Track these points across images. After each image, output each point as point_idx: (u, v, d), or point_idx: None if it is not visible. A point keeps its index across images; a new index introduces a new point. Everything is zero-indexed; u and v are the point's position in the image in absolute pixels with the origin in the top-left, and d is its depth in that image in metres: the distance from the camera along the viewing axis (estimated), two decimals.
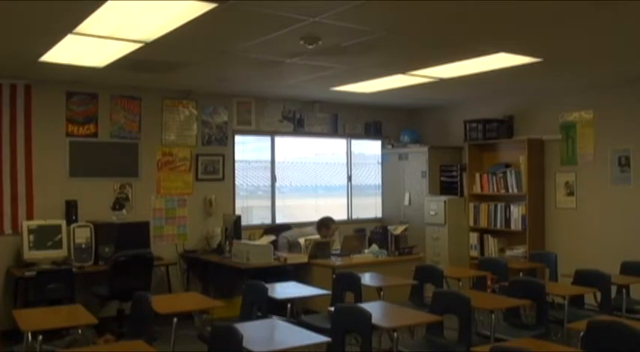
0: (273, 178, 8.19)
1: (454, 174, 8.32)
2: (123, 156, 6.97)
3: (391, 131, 9.07)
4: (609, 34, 4.57)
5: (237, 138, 7.85)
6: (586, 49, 5.06)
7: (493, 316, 4.46)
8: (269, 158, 8.18)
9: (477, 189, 7.95)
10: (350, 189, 8.97)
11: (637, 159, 6.63)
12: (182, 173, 7.36)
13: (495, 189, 7.73)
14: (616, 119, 6.82)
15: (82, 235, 6.22)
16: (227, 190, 7.69)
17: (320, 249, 6.70)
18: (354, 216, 8.93)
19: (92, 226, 6.31)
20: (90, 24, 4.17)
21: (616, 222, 6.79)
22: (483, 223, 7.85)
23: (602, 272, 5.37)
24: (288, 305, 4.84)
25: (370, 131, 8.95)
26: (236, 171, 7.82)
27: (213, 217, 7.43)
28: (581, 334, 3.70)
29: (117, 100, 6.93)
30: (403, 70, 5.91)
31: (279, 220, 8.17)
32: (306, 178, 8.67)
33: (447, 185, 8.37)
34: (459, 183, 8.23)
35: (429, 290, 5.31)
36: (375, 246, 7.10)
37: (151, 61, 5.47)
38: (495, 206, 7.73)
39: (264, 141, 8.14)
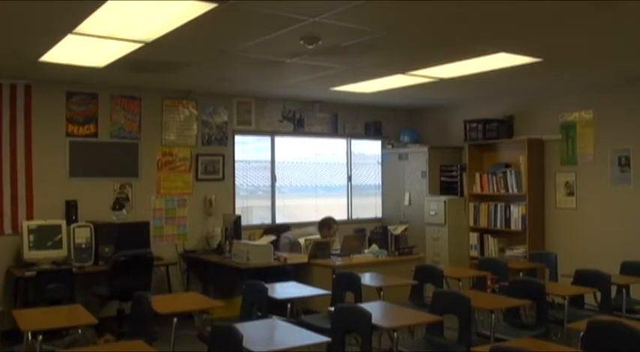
0: (273, 178, 8.19)
1: (454, 174, 8.32)
2: (123, 156, 6.97)
3: (391, 131, 9.07)
4: (609, 34, 4.57)
5: (237, 138, 7.85)
6: (586, 49, 5.06)
7: (493, 316, 4.46)
8: (269, 158, 8.18)
9: (477, 189, 7.95)
10: (350, 189, 8.97)
11: (637, 159, 6.63)
12: (182, 173, 7.36)
13: (495, 189, 7.73)
14: (616, 119, 6.82)
15: (82, 235, 6.22)
16: (227, 190, 7.69)
17: (320, 249, 6.70)
18: (354, 216, 8.93)
19: (92, 226, 6.31)
20: (90, 24, 4.17)
21: (616, 222, 6.79)
22: (483, 223, 7.85)
23: (602, 272, 5.37)
24: (288, 305, 4.84)
25: (370, 131, 8.95)
26: (236, 171, 7.82)
27: (213, 217, 7.43)
28: (581, 334, 3.70)
29: (117, 100, 6.93)
30: (403, 70, 5.91)
31: (279, 220, 8.17)
32: (306, 178, 8.67)
33: (447, 185, 8.37)
34: (459, 183, 8.23)
35: (429, 290, 5.31)
36: (375, 246, 7.10)
37: (151, 61, 5.47)
38: (495, 206, 7.73)
39: (264, 141, 8.14)
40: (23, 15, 4.01)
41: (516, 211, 7.47)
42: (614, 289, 5.49)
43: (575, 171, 7.23)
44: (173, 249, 7.18)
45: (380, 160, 9.15)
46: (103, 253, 6.31)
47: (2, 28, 4.37)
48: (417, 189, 8.50)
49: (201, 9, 3.79)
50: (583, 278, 5.43)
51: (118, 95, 6.93)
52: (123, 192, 6.94)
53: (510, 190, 7.55)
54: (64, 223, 6.28)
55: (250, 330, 3.71)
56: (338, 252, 6.93)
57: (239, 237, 6.79)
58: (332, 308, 4.44)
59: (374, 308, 4.19)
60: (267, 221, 8.12)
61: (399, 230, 7.20)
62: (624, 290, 5.56)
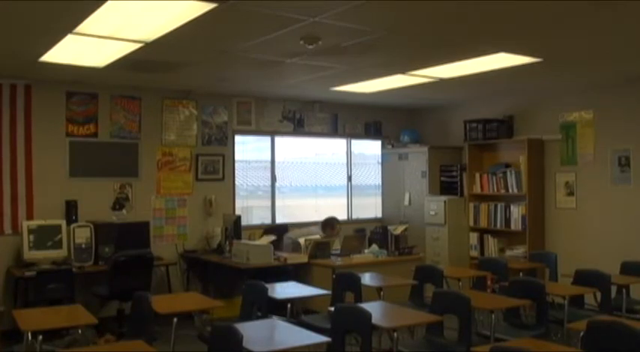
0: (273, 178, 8.19)
1: (454, 174, 8.32)
2: (123, 156, 6.97)
3: (391, 131, 9.07)
4: (609, 34, 4.57)
5: (237, 138, 7.85)
6: (586, 49, 5.06)
7: (493, 316, 4.46)
8: (269, 158, 8.18)
9: (477, 189, 7.95)
10: (350, 189, 8.97)
11: (637, 159, 6.63)
12: (182, 173, 7.36)
13: (495, 189, 7.73)
14: (616, 119, 6.82)
15: (82, 235, 6.22)
16: (227, 190, 7.69)
17: (320, 249, 6.70)
18: (354, 216, 8.93)
19: (92, 226, 6.31)
20: (90, 24, 4.17)
21: (616, 222, 6.79)
22: (483, 223, 7.85)
23: (602, 272, 5.37)
24: (288, 305, 4.84)
25: (370, 131, 8.95)
26: (236, 171, 7.82)
27: (213, 217, 7.43)
28: (581, 334, 3.70)
29: (117, 100, 6.93)
30: (403, 70, 5.91)
31: (279, 220, 8.17)
32: (306, 178, 8.67)
33: (447, 185, 8.37)
34: (459, 183, 8.23)
35: (429, 290, 5.31)
36: (375, 246, 7.10)
37: (151, 61, 5.47)
38: (495, 206, 7.73)
39: (264, 141, 8.14)
40: (23, 15, 4.01)
41: (516, 211, 7.47)
42: (614, 289, 5.49)
43: (575, 171, 7.23)
44: (173, 249, 7.18)
45: (380, 160, 9.15)
46: (103, 253, 6.31)
47: (2, 28, 4.37)
48: (417, 189, 8.50)
49: (201, 9, 3.79)
50: (583, 278, 5.43)
51: (118, 95, 6.93)
52: (123, 192, 6.94)
53: (510, 190, 7.55)
54: (64, 223, 6.28)
55: (250, 330, 3.71)
56: (338, 252, 6.93)
57: (239, 237, 6.80)
58: (332, 308, 4.44)
59: (374, 308, 4.19)
60: (267, 221, 8.12)
61: (399, 230, 7.20)
62: (624, 290, 5.56)
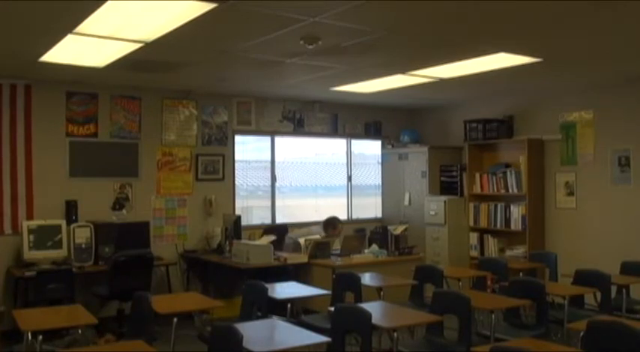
0: (273, 178, 8.19)
1: (454, 174, 8.32)
2: (123, 156, 6.97)
3: (391, 131, 9.07)
4: (609, 34, 4.57)
5: (237, 138, 7.85)
6: (586, 49, 5.06)
7: (493, 316, 4.46)
8: (269, 158, 8.18)
9: (477, 189, 7.95)
10: (350, 189, 8.97)
11: (637, 159, 6.63)
12: (182, 173, 7.36)
13: (495, 189, 7.73)
14: (616, 119, 6.82)
15: (82, 235, 6.22)
16: (227, 190, 7.69)
17: (320, 249, 6.70)
18: (354, 216, 8.93)
19: (92, 226, 6.31)
20: (90, 24, 4.17)
21: (616, 222, 6.79)
22: (483, 223, 7.85)
23: (602, 272, 5.37)
24: (288, 305, 4.83)
25: (370, 131, 8.95)
26: (236, 171, 7.82)
27: (213, 217, 7.43)
28: (581, 334, 3.70)
29: (117, 100, 6.93)
30: (403, 70, 5.91)
31: (279, 220, 8.17)
32: (306, 178, 8.67)
33: (447, 185, 8.37)
34: (459, 183, 8.23)
35: (429, 290, 5.31)
36: (375, 246, 7.10)
37: (151, 61, 5.47)
38: (495, 206, 7.73)
39: (264, 141, 8.14)
40: (23, 15, 4.01)
41: (516, 211, 7.47)
42: (614, 289, 5.49)
43: (575, 171, 7.23)
44: (173, 249, 7.18)
45: (380, 160, 9.15)
46: (103, 253, 6.31)
47: (2, 28, 4.37)
48: (417, 189, 8.50)
49: (201, 9, 3.79)
50: (583, 278, 5.43)
51: (118, 95, 6.93)
52: (123, 192, 6.94)
53: (510, 190, 7.55)
54: (64, 223, 6.28)
55: (250, 330, 3.71)
56: (338, 252, 6.93)
57: (239, 237, 6.80)
58: (332, 308, 4.44)
59: (374, 308, 4.19)
60: (267, 221, 8.12)
61: (399, 230, 7.20)
62: (624, 290, 5.56)
